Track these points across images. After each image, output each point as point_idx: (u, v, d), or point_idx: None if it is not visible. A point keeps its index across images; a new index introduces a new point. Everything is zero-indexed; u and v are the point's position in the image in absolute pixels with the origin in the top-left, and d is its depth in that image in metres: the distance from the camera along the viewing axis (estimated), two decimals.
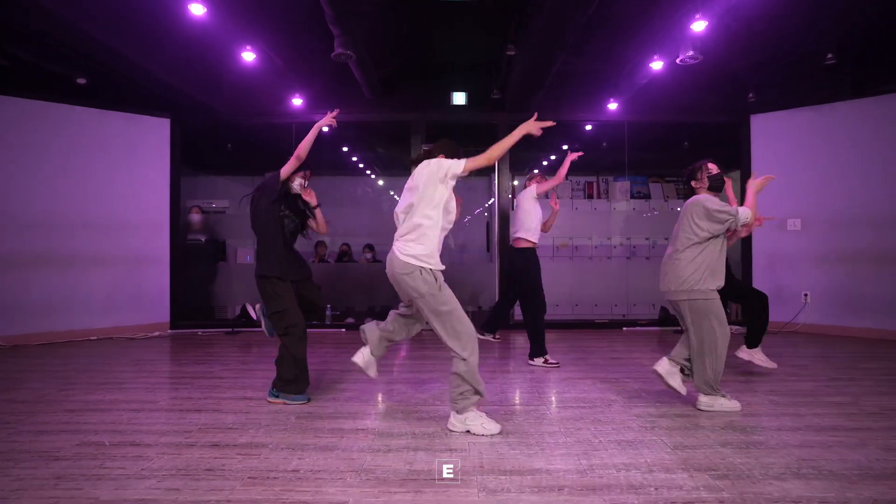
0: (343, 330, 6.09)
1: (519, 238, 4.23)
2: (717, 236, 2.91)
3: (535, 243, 4.21)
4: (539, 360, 4.07)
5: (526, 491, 2.00)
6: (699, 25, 3.67)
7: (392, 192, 9.42)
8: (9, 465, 2.23)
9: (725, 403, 2.93)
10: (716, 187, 3.02)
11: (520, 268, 4.17)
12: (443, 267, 2.66)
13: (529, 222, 4.19)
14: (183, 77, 5.01)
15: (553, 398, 3.28)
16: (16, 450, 2.40)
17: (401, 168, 8.98)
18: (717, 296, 2.92)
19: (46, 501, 1.91)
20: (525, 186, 4.38)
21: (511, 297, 4.76)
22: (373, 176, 9.43)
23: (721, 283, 2.92)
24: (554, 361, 4.08)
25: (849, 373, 3.89)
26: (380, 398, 3.29)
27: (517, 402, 3.20)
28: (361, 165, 9.15)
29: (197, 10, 3.44)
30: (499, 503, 1.91)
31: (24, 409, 3.02)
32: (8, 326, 5.04)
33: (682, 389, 3.00)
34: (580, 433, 2.62)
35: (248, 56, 4.32)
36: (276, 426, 2.73)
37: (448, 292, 2.63)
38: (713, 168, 3.00)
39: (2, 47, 4.23)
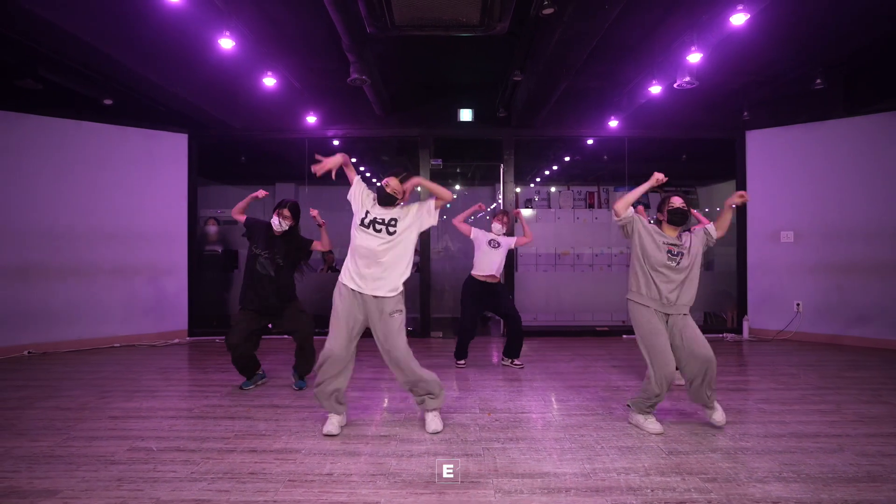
0: None
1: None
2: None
3: (473, 274, 4.65)
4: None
5: (537, 492, 2.25)
6: (695, 57, 3.92)
7: None
8: (72, 467, 2.49)
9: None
10: (674, 221, 3.07)
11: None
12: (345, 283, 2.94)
13: (475, 256, 4.69)
14: (205, 99, 5.27)
15: (558, 406, 3.53)
16: (74, 454, 2.66)
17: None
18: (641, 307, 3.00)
19: (114, 501, 2.17)
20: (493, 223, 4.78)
21: (497, 314, 5.04)
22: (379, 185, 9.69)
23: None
24: (461, 362, 4.69)
25: (835, 381, 4.13)
26: (396, 406, 3.53)
27: (525, 410, 3.45)
28: (368, 174, 9.41)
29: (226, 44, 3.69)
30: (514, 503, 2.16)
31: (71, 415, 3.28)
32: (37, 334, 5.30)
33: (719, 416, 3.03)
34: (584, 439, 2.87)
35: (269, 81, 4.57)
36: (305, 433, 2.98)
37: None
38: (675, 202, 3.07)
39: (36, 72, 4.48)
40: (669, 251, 3.01)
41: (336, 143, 6.88)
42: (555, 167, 8.95)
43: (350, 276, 2.93)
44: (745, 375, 4.44)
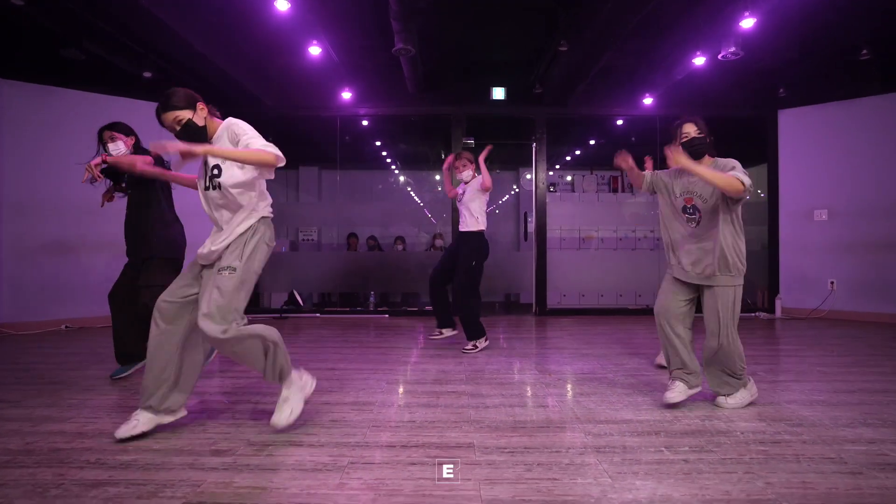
0: (386, 316, 6.35)
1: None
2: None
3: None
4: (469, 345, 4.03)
5: (627, 435, 2.25)
6: (748, 23, 3.90)
7: (408, 188, 9.69)
8: None
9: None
10: (691, 155, 2.52)
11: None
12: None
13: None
14: (244, 71, 5.24)
15: (615, 367, 3.51)
16: None
17: (427, 163, 9.26)
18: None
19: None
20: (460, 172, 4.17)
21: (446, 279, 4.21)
22: (396, 170, 9.73)
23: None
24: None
25: (885, 350, 4.13)
26: (454, 367, 3.52)
27: (584, 371, 3.43)
28: (389, 160, 9.44)
29: (282, 6, 3.68)
30: (604, 445, 2.15)
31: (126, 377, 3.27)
32: (73, 309, 5.30)
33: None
34: (654, 394, 2.86)
35: (315, 50, 4.55)
36: (371, 389, 2.98)
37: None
38: (688, 129, 2.60)
39: (80, 42, 4.47)
40: (685, 207, 2.62)
41: (365, 122, 6.88)
42: (577, 151, 8.95)
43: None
44: (791, 345, 4.44)
